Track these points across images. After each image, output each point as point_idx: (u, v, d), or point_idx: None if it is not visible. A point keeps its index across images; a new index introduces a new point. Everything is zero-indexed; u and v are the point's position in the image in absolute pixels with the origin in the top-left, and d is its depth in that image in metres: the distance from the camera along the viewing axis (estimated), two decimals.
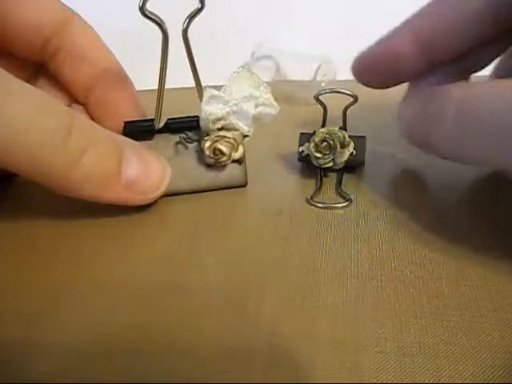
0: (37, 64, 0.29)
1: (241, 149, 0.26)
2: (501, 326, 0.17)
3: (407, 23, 0.24)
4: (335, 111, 0.27)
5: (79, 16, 0.28)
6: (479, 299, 0.18)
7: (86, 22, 0.29)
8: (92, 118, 0.29)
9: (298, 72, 0.39)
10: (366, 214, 0.24)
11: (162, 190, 0.24)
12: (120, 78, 0.28)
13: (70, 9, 0.28)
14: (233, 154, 0.26)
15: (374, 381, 0.16)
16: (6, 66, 0.28)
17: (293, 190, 0.27)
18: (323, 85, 0.38)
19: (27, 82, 0.29)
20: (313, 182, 0.27)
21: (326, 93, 0.25)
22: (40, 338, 0.18)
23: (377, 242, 0.22)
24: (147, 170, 0.24)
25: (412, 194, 0.25)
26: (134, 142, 0.25)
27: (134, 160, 0.23)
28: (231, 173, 0.27)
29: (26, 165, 0.21)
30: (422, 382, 0.15)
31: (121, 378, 0.16)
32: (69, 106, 0.29)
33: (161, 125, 0.26)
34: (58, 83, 0.29)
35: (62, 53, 0.28)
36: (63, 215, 0.25)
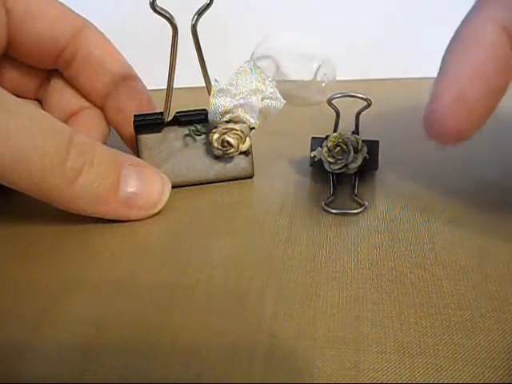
0: (49, 69, 0.29)
1: (248, 141, 0.26)
2: (501, 326, 0.17)
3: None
4: (344, 114, 0.26)
5: (92, 24, 0.29)
6: (479, 299, 0.18)
7: (99, 30, 0.29)
8: (110, 123, 0.30)
9: (298, 72, 0.39)
10: (367, 214, 0.24)
11: (160, 207, 0.25)
12: (136, 85, 0.29)
13: (83, 17, 0.29)
14: (240, 146, 0.26)
15: (374, 381, 0.16)
16: (18, 75, 0.29)
17: (293, 189, 0.27)
18: (323, 85, 0.38)
19: (40, 86, 0.30)
20: (312, 180, 0.27)
21: (340, 97, 0.24)
22: (40, 338, 0.18)
23: (377, 242, 0.22)
24: (146, 187, 0.24)
25: (415, 196, 0.25)
26: (136, 158, 0.25)
27: (134, 177, 0.24)
28: (238, 164, 0.27)
29: (24, 183, 0.21)
30: (421, 382, 0.15)
31: (121, 378, 0.16)
32: (84, 109, 0.30)
33: (170, 118, 0.26)
34: (71, 86, 0.30)
35: (77, 61, 0.28)
36: (65, 215, 0.25)
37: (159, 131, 0.26)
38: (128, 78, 0.29)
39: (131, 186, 0.24)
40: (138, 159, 0.26)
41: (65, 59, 0.28)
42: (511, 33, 0.20)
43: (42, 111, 0.22)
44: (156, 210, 0.25)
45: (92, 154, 0.23)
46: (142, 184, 0.24)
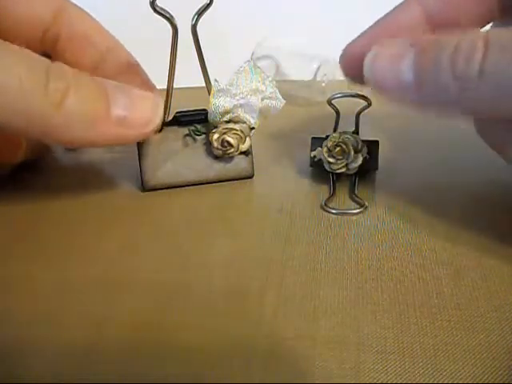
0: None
1: (248, 141, 0.26)
2: (501, 326, 0.17)
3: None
4: (344, 114, 0.26)
5: (72, 2, 0.29)
6: (479, 299, 0.18)
7: (80, 8, 0.29)
8: None
9: (298, 72, 0.39)
10: (367, 214, 0.24)
11: (157, 122, 0.24)
12: (121, 53, 0.29)
13: None
14: (240, 146, 0.26)
15: (374, 381, 0.16)
16: None
17: (293, 189, 0.27)
18: (323, 85, 0.38)
19: None
20: (312, 180, 0.27)
21: (340, 97, 0.24)
22: (40, 338, 0.18)
23: (377, 242, 0.22)
24: (137, 103, 0.24)
25: (415, 196, 0.25)
26: (119, 83, 0.25)
27: (121, 97, 0.23)
28: (239, 164, 0.27)
29: (10, 115, 0.21)
30: (421, 382, 0.15)
31: (121, 378, 0.16)
32: None
33: (170, 118, 0.26)
34: None
35: (61, 40, 0.28)
36: (65, 215, 0.25)
37: (159, 131, 0.26)
38: (113, 48, 0.29)
39: (122, 104, 0.23)
40: (120, 83, 0.25)
41: (50, 40, 0.28)
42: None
43: (12, 45, 0.22)
44: (153, 127, 0.24)
45: (75, 77, 0.22)
46: (132, 102, 0.24)
